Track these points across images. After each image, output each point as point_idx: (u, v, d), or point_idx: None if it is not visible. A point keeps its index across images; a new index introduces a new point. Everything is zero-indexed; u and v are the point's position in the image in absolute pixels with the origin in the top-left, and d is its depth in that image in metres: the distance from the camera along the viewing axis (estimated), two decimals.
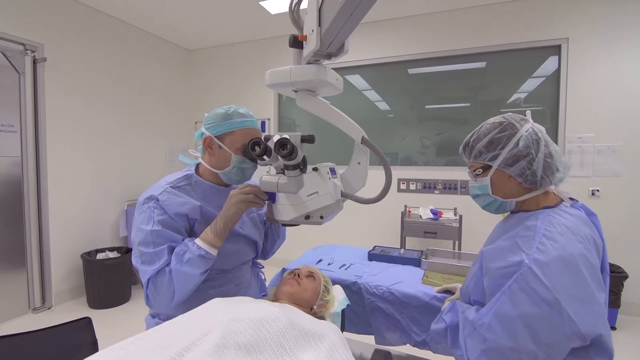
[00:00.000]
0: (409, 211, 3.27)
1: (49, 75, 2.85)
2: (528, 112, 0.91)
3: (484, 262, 0.84)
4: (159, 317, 1.12)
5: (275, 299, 1.06)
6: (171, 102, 4.18)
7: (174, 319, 0.80)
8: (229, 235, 1.11)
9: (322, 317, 1.04)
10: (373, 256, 1.69)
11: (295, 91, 1.00)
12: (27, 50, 2.71)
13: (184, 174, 1.13)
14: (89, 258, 3.05)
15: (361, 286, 1.38)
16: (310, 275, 1.12)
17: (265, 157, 0.83)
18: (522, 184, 0.88)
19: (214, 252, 0.98)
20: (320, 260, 1.66)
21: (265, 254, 1.38)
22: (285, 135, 0.79)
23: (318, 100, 0.99)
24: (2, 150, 2.64)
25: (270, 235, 1.33)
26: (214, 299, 0.89)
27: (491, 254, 0.83)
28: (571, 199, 0.88)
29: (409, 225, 2.98)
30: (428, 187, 3.43)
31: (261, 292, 1.36)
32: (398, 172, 3.51)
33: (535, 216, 0.83)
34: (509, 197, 0.91)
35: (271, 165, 0.94)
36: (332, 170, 0.99)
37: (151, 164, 3.92)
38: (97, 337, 1.18)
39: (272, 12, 3.36)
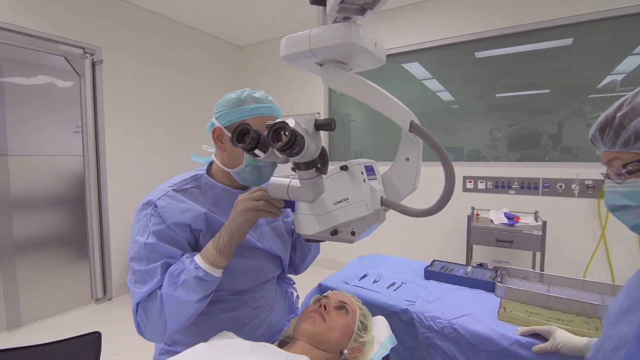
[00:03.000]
0: (477, 214, 2.82)
1: (105, 76, 2.95)
2: None
3: None
4: (165, 342, 0.96)
5: (293, 338, 0.83)
6: None
7: None
8: (243, 250, 0.90)
9: None
10: (431, 274, 1.37)
11: (321, 65, 0.75)
12: (86, 53, 2.82)
13: (194, 173, 0.95)
14: None
15: (414, 316, 1.09)
16: (342, 306, 0.86)
17: (257, 151, 0.60)
18: None
19: (216, 273, 0.78)
20: (364, 276, 1.40)
21: (296, 268, 1.16)
22: (290, 120, 0.55)
23: (351, 76, 0.72)
24: (68, 149, 2.80)
25: (300, 247, 1.10)
26: (198, 346, 0.68)
27: None
28: None
29: (477, 232, 2.55)
30: (501, 186, 2.93)
31: (290, 314, 1.13)
32: (464, 169, 3.07)
33: None
34: None
35: (281, 163, 0.70)
36: (369, 169, 0.73)
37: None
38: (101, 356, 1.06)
39: None
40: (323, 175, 0.70)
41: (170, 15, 3.45)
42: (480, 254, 2.91)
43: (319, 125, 0.58)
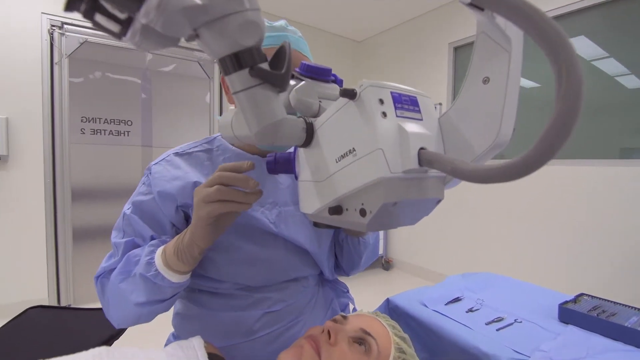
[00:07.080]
0: None
1: None
2: None
3: None
4: (172, 334, 0.82)
5: None
6: None
7: None
8: (254, 233, 0.69)
9: None
10: (571, 315, 0.85)
11: None
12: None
13: (209, 137, 0.78)
14: None
15: None
16: (361, 339, 0.52)
17: (99, 19, 0.32)
18: None
19: (172, 277, 0.57)
20: (457, 299, 0.97)
21: (347, 270, 0.87)
22: None
23: None
24: None
25: (346, 245, 0.80)
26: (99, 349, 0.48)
27: None
28: None
29: None
30: None
31: None
32: None
33: None
34: None
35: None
36: (403, 101, 0.40)
37: None
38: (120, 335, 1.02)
39: None
40: (318, 122, 0.42)
41: (287, 15, 3.58)
42: None
43: None
